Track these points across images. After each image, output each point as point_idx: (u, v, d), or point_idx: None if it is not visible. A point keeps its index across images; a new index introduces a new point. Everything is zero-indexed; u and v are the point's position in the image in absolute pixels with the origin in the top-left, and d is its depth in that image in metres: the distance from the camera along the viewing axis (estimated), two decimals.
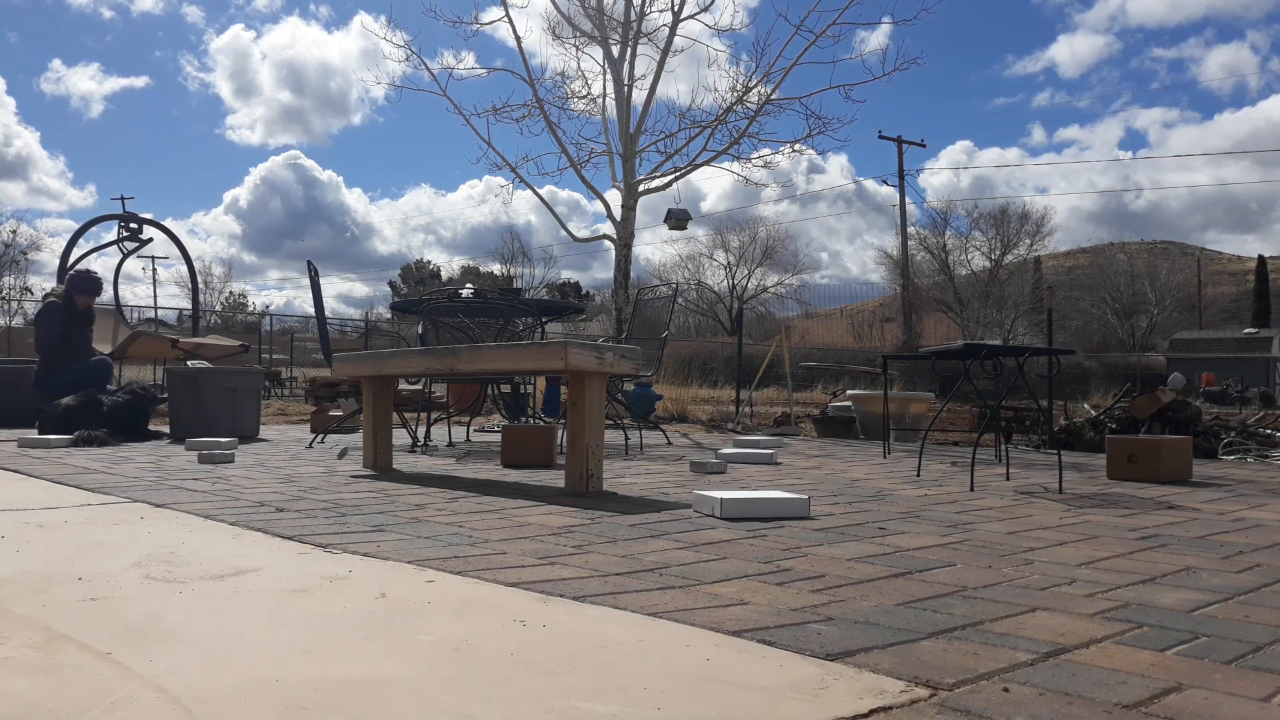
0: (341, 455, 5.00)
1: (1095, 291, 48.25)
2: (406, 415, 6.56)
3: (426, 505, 2.97)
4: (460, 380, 6.63)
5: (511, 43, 12.86)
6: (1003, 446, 5.45)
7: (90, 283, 6.94)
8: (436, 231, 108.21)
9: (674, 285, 7.67)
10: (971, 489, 3.76)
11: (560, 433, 5.05)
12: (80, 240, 14.67)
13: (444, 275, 55.68)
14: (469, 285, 7.36)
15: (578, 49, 11.60)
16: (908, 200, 33.39)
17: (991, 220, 42.39)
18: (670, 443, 6.60)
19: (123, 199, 13.10)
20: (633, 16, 11.14)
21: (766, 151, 11.68)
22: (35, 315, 6.94)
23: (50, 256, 45.68)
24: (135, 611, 1.57)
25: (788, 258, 46.62)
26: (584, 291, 50.84)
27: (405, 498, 3.16)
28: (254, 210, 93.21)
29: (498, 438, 6.49)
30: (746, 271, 46.54)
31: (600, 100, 11.58)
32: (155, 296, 47.74)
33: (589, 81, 11.65)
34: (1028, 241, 42.80)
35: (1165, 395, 6.72)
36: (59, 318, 6.67)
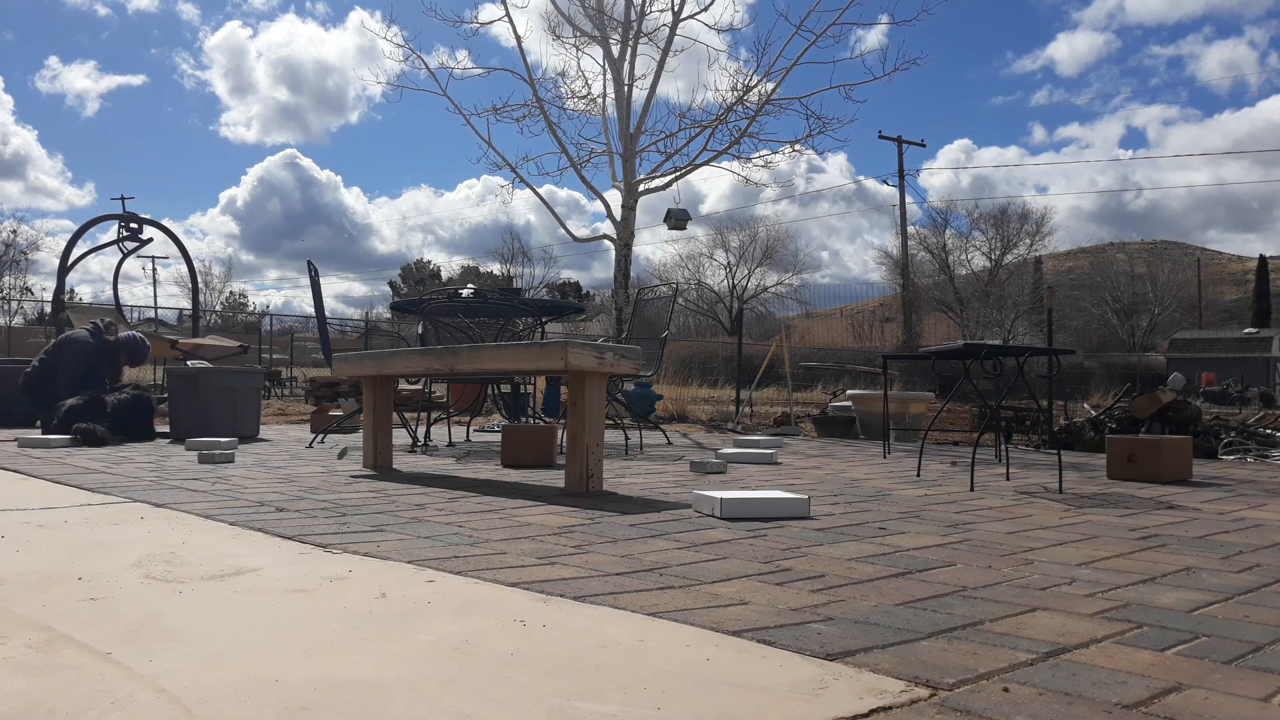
0: (341, 455, 5.00)
1: (1095, 291, 48.26)
2: (406, 415, 6.56)
3: (426, 505, 2.97)
4: (460, 380, 6.63)
5: (510, 42, 12.90)
6: (1003, 446, 5.45)
7: (143, 353, 6.95)
8: (435, 231, 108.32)
9: (674, 285, 7.67)
10: (971, 489, 3.76)
11: (560, 433, 5.05)
12: (80, 240, 14.66)
13: (444, 275, 55.69)
14: (469, 285, 7.35)
15: (578, 49, 11.61)
16: (908, 199, 33.42)
17: (991, 220, 42.45)
18: (670, 443, 6.60)
19: (123, 199, 13.12)
20: (633, 16, 11.14)
21: (766, 152, 11.69)
22: (69, 340, 6.70)
23: (50, 256, 45.70)
24: (135, 611, 1.57)
25: (788, 257, 46.70)
26: (584, 291, 50.84)
27: (405, 498, 3.16)
28: (252, 209, 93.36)
29: (498, 438, 6.49)
30: (746, 271, 46.59)
31: (600, 100, 11.59)
32: (155, 296, 47.79)
33: (589, 81, 11.66)
34: (1028, 241, 42.88)
35: (1165, 395, 6.72)
36: (91, 356, 6.50)
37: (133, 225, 13.14)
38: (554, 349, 3.26)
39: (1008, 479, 4.25)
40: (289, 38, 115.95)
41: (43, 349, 6.90)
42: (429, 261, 60.95)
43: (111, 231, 13.30)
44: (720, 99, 11.61)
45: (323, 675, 1.25)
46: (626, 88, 11.22)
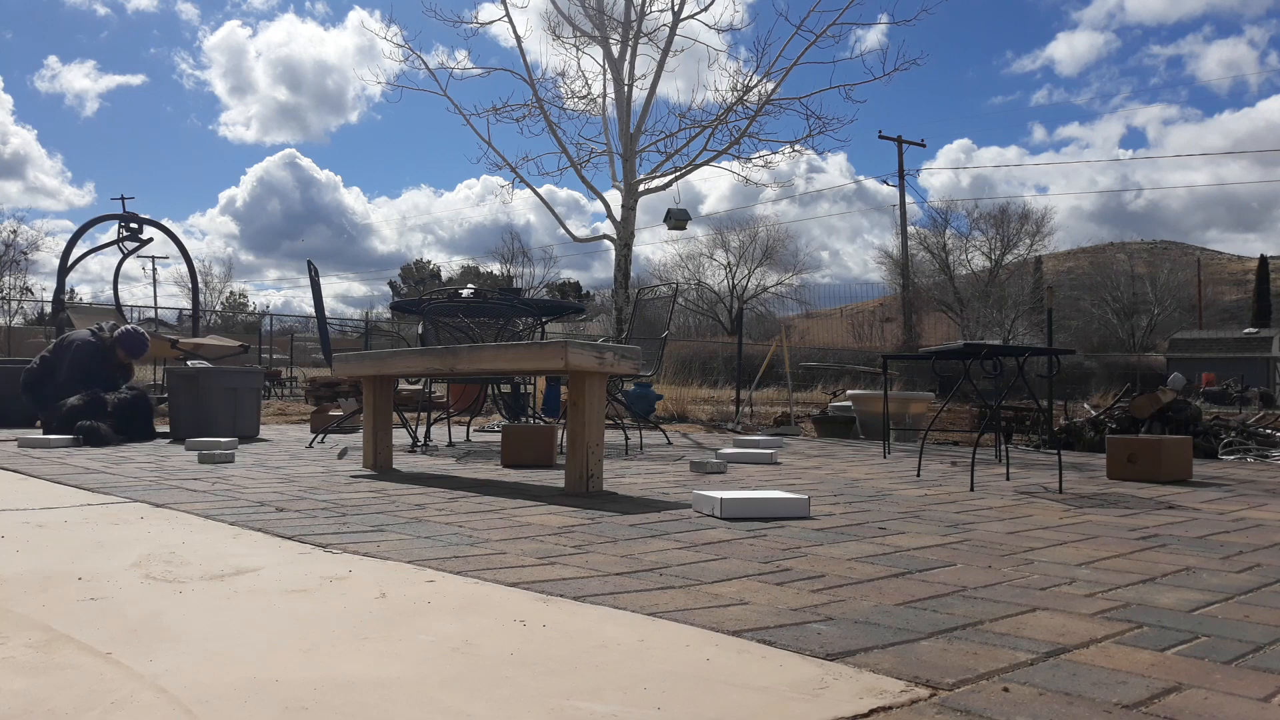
0: (341, 455, 5.00)
1: (1095, 291, 48.29)
2: (406, 415, 6.56)
3: (426, 505, 2.97)
4: (460, 380, 6.63)
5: (510, 42, 12.89)
6: (1003, 446, 5.45)
7: (142, 346, 6.90)
8: (435, 231, 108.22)
9: (674, 285, 7.67)
10: (971, 489, 3.76)
11: (560, 433, 5.05)
12: (80, 240, 14.68)
13: (444, 275, 55.68)
14: (469, 285, 7.36)
15: (578, 48, 11.61)
16: (908, 199, 33.44)
17: (991, 220, 42.47)
18: (670, 443, 6.60)
19: (123, 199, 13.12)
20: (633, 16, 11.14)
21: (766, 152, 11.68)
22: (69, 340, 6.69)
23: (50, 256, 45.74)
24: (135, 611, 1.57)
25: (788, 257, 46.66)
26: (584, 291, 50.82)
27: (405, 498, 3.16)
28: (251, 209, 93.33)
29: (498, 438, 6.49)
30: (746, 271, 46.56)
31: (600, 100, 11.59)
32: (155, 296, 47.79)
33: (589, 81, 11.66)
34: (1028, 241, 42.88)
35: (1165, 395, 6.72)
36: (91, 356, 6.48)
37: (133, 225, 13.14)
38: (554, 349, 3.26)
39: (1008, 479, 4.25)
40: (288, 37, 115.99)
41: (43, 348, 6.90)
42: (429, 261, 60.96)
43: (111, 231, 13.31)
44: (720, 99, 11.62)
45: (323, 675, 1.25)
46: (626, 88, 11.22)
